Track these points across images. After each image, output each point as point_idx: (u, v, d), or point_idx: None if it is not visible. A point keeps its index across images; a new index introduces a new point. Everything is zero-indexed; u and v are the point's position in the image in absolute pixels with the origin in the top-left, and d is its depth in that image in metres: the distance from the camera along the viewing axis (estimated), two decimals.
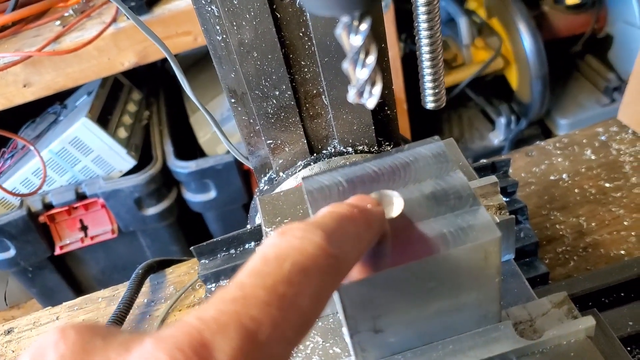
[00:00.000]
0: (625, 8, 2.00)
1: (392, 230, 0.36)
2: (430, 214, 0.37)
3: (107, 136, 1.63)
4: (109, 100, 1.73)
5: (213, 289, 0.70)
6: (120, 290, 0.96)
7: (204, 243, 0.71)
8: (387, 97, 0.71)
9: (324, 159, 0.70)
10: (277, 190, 0.71)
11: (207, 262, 0.71)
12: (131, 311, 0.90)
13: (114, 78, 1.82)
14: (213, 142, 1.83)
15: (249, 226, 0.77)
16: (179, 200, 1.78)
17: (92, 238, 1.74)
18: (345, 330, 0.38)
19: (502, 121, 2.18)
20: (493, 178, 0.47)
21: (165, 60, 1.87)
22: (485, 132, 2.24)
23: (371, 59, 0.35)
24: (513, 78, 2.10)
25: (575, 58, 2.21)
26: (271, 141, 0.70)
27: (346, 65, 0.36)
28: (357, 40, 0.34)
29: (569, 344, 0.38)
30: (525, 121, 2.13)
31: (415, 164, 0.40)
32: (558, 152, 1.02)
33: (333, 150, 0.71)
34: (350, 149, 0.71)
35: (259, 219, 0.73)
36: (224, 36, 0.63)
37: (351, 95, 0.37)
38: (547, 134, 2.18)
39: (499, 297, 0.38)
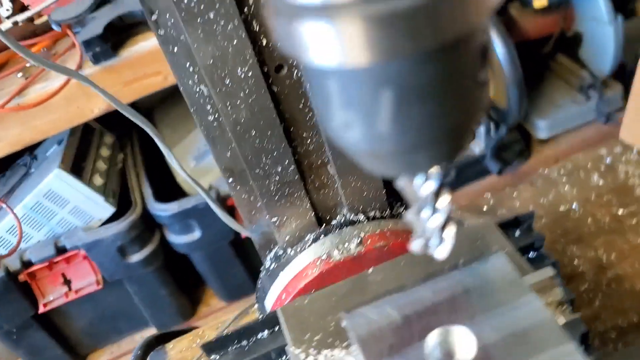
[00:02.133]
0: (592, 5, 1.98)
1: None
2: (512, 357, 0.31)
3: (83, 185, 1.55)
4: (80, 147, 1.65)
5: None
6: None
7: (213, 339, 0.64)
8: None
9: (335, 230, 0.65)
10: (286, 270, 0.65)
11: (217, 357, 0.64)
12: None
13: (84, 123, 1.74)
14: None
15: (256, 306, 0.71)
16: (163, 244, 1.71)
17: (76, 292, 1.66)
18: None
19: (481, 130, 2.15)
20: (549, 271, 0.42)
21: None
22: None
23: (446, 200, 0.29)
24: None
25: (547, 59, 2.19)
26: (276, 218, 0.64)
27: (411, 217, 0.30)
28: (428, 187, 0.29)
29: None
30: (504, 127, 2.10)
31: (479, 289, 0.34)
32: (564, 179, 0.98)
33: (343, 219, 0.66)
34: (361, 216, 0.65)
35: (269, 304, 0.67)
36: (216, 116, 0.57)
37: (416, 247, 0.31)
38: (527, 138, 2.15)
39: None
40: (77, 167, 1.58)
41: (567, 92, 2.17)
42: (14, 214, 1.51)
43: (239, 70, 0.52)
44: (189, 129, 1.81)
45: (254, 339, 0.65)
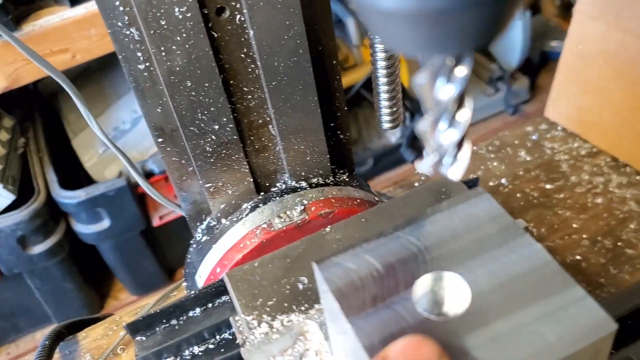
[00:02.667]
0: None
1: (475, 333, 0.27)
2: (514, 306, 0.28)
3: None
4: None
5: None
6: None
7: (139, 318, 0.58)
8: (340, 119, 0.61)
9: (275, 198, 0.60)
10: (221, 241, 0.59)
11: (144, 339, 0.58)
12: None
13: None
14: (101, 166, 1.66)
15: (185, 284, 0.65)
16: (69, 234, 1.60)
17: None
18: None
19: None
20: (522, 222, 0.39)
21: (38, 81, 1.67)
22: (381, 130, 2.21)
23: (466, 114, 0.25)
24: (404, 76, 2.08)
25: None
26: (210, 184, 0.58)
27: (426, 127, 0.26)
28: (448, 92, 0.24)
29: None
30: (419, 117, 2.12)
31: (468, 232, 0.31)
32: (492, 155, 0.97)
33: (284, 186, 0.61)
34: (303, 183, 0.61)
35: (200, 279, 0.61)
36: (147, 64, 0.51)
37: (426, 164, 0.27)
38: None
39: None
40: None
41: (476, 84, 2.23)
42: None
43: (176, 10, 0.47)
44: (96, 114, 1.69)
45: (184, 317, 0.59)
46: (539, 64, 2.26)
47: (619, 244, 0.81)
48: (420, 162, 0.27)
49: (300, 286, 0.40)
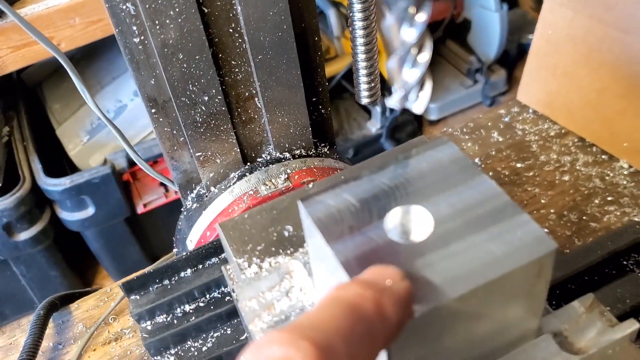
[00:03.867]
0: None
1: (435, 254, 0.31)
2: (469, 231, 0.32)
3: None
4: None
5: (148, 327, 0.61)
6: (19, 336, 0.83)
7: (134, 277, 0.61)
8: (321, 94, 0.65)
9: (260, 167, 0.64)
10: (210, 207, 0.63)
11: (138, 298, 0.61)
12: (36, 359, 0.78)
13: None
14: (85, 154, 1.68)
15: (175, 250, 0.69)
16: (54, 221, 1.62)
17: None
18: None
19: (377, 110, 2.20)
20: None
21: (21, 70, 1.69)
22: (362, 121, 2.25)
23: (425, 57, 0.30)
24: (383, 67, 2.13)
25: (438, 44, 2.28)
26: (200, 153, 0.62)
27: (393, 65, 0.31)
28: (410, 35, 0.29)
29: (614, 353, 0.36)
30: (398, 111, 2.16)
31: (433, 173, 0.35)
32: (466, 137, 1.02)
33: (269, 157, 0.65)
34: (287, 154, 0.65)
35: (191, 242, 0.65)
36: (142, 38, 0.54)
37: (394, 100, 0.32)
38: (418, 119, 2.23)
39: (542, 311, 0.35)
40: None
41: (455, 76, 2.26)
42: None
43: None
44: (79, 104, 1.72)
45: (176, 278, 0.62)
46: (516, 57, 2.31)
47: (583, 218, 0.86)
48: (389, 98, 0.32)
49: (286, 233, 0.44)
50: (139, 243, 1.76)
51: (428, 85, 0.33)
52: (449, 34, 2.23)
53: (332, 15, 2.06)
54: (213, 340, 0.61)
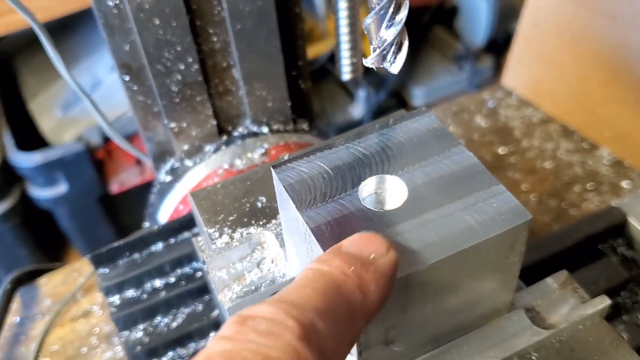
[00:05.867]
0: None
1: (408, 222, 0.30)
2: (444, 200, 0.31)
3: None
4: None
5: (116, 302, 0.60)
6: None
7: (103, 250, 0.60)
8: (302, 68, 0.64)
9: (237, 141, 0.62)
10: (184, 180, 0.61)
11: (107, 271, 0.60)
12: (1, 334, 0.76)
13: None
14: (59, 130, 1.64)
15: (147, 224, 0.67)
16: (24, 198, 1.58)
17: None
18: (354, 348, 0.31)
19: (361, 94, 2.19)
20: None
21: None
22: (345, 105, 2.24)
23: (401, 16, 0.29)
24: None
25: (425, 29, 2.27)
26: (175, 124, 0.60)
27: (369, 22, 0.29)
28: None
29: (585, 328, 0.35)
30: (383, 93, 2.15)
31: (410, 143, 0.34)
32: (449, 120, 1.01)
33: (246, 131, 0.63)
34: (265, 129, 0.63)
35: (163, 217, 0.63)
36: (117, 2, 0.52)
37: (371, 58, 0.30)
38: (402, 104, 2.23)
39: (515, 285, 0.34)
40: None
41: (442, 62, 2.26)
42: None
43: None
44: (54, 78, 1.68)
45: (147, 252, 0.61)
46: (503, 44, 2.31)
47: (562, 204, 0.86)
48: (368, 57, 0.31)
49: (259, 204, 0.42)
50: (113, 223, 1.73)
51: (405, 46, 0.32)
52: (436, 19, 2.22)
53: None
54: (183, 316, 0.60)
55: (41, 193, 1.58)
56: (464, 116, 1.01)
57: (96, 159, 1.60)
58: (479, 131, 0.98)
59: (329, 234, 0.30)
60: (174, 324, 0.60)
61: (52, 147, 1.59)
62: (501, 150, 0.95)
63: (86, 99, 0.68)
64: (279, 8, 0.57)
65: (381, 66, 0.31)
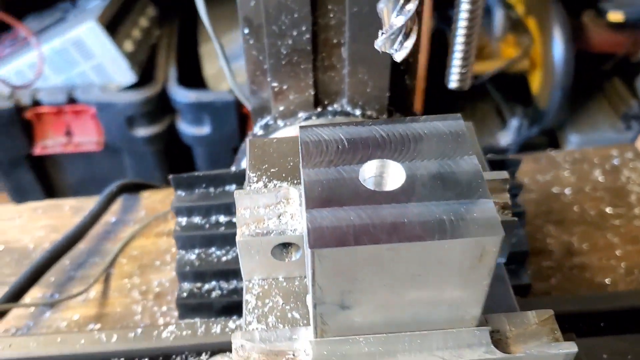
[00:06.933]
0: None
1: (389, 206, 0.32)
2: (432, 196, 0.33)
3: (113, 45, 1.57)
4: (122, 9, 1.67)
5: (183, 223, 0.66)
6: (91, 202, 0.91)
7: (185, 175, 0.67)
8: (411, 65, 0.66)
9: (328, 115, 0.66)
10: (272, 137, 0.66)
11: (183, 194, 0.67)
12: (96, 227, 0.86)
13: None
14: (219, 77, 1.77)
15: (233, 168, 0.73)
16: (172, 129, 1.73)
17: (75, 145, 1.69)
18: (309, 297, 0.34)
19: (514, 123, 2.13)
20: (504, 174, 0.43)
21: None
22: (495, 130, 2.19)
23: (411, 7, 0.31)
24: (535, 82, 2.05)
25: (603, 77, 2.16)
26: (277, 84, 0.65)
27: (382, 6, 0.32)
28: None
29: None
30: (537, 128, 2.08)
31: (428, 139, 0.36)
32: (567, 165, 0.98)
33: (339, 109, 0.67)
34: (358, 112, 0.66)
35: (245, 163, 0.68)
36: None
37: (380, 41, 0.33)
38: (555, 146, 2.14)
39: (484, 301, 0.35)
40: (112, 26, 1.60)
41: (609, 115, 2.13)
42: (40, 52, 1.53)
43: None
44: (229, 28, 1.80)
45: (221, 189, 0.67)
46: None
47: None
48: (377, 40, 0.33)
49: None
50: None
51: (413, 35, 0.33)
52: (617, 71, 2.10)
53: (499, 15, 2.02)
54: (234, 254, 0.65)
55: (187, 129, 1.72)
56: (584, 166, 0.97)
57: (241, 113, 1.71)
58: (593, 184, 0.94)
59: (318, 192, 0.33)
60: (225, 258, 0.65)
61: (207, 91, 1.73)
62: (609, 210, 0.90)
63: (223, 58, 0.75)
64: None
65: (388, 51, 0.34)
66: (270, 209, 0.43)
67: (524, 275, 0.66)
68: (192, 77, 1.79)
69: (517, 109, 2.13)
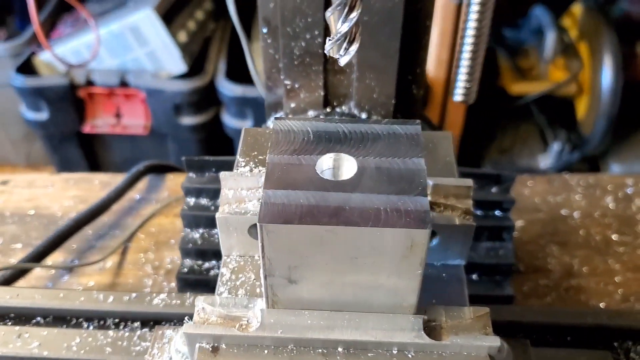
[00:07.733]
0: None
1: (336, 193, 0.36)
2: (376, 189, 0.37)
3: (167, 35, 1.64)
4: (179, 1, 1.74)
5: (191, 203, 0.71)
6: (120, 179, 0.98)
7: (196, 157, 0.72)
8: (418, 76, 0.70)
9: (334, 117, 0.70)
10: None
11: (194, 176, 0.72)
12: (120, 202, 0.92)
13: None
14: None
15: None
16: (216, 120, 1.80)
17: (123, 127, 1.77)
18: (262, 270, 0.39)
19: (556, 147, 2.12)
20: (469, 181, 0.47)
21: None
22: (536, 152, 2.18)
23: (354, 15, 0.35)
24: (581, 107, 2.03)
25: None
26: (289, 82, 0.69)
27: (329, 15, 0.36)
28: None
29: (468, 356, 0.38)
30: (578, 154, 2.06)
31: (385, 139, 0.39)
32: (579, 189, 0.99)
33: (347, 111, 0.71)
34: (364, 115, 0.70)
35: None
36: None
37: (328, 46, 0.37)
38: (594, 170, 2.12)
39: (419, 290, 0.38)
40: (169, 16, 1.67)
41: None
42: (98, 34, 1.62)
43: None
44: None
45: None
46: None
47: None
48: (326, 45, 0.37)
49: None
50: None
51: (356, 43, 0.36)
52: None
53: (550, 37, 2.01)
54: None
55: (230, 121, 1.79)
56: (596, 192, 0.99)
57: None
58: (602, 210, 0.95)
59: (277, 175, 0.37)
60: None
61: (253, 86, 1.78)
62: (615, 237, 0.91)
63: (248, 54, 0.80)
64: (409, 16, 0.63)
65: (335, 56, 0.37)
66: (252, 192, 0.48)
67: (507, 287, 0.69)
68: (240, 72, 1.85)
69: (560, 133, 2.12)
